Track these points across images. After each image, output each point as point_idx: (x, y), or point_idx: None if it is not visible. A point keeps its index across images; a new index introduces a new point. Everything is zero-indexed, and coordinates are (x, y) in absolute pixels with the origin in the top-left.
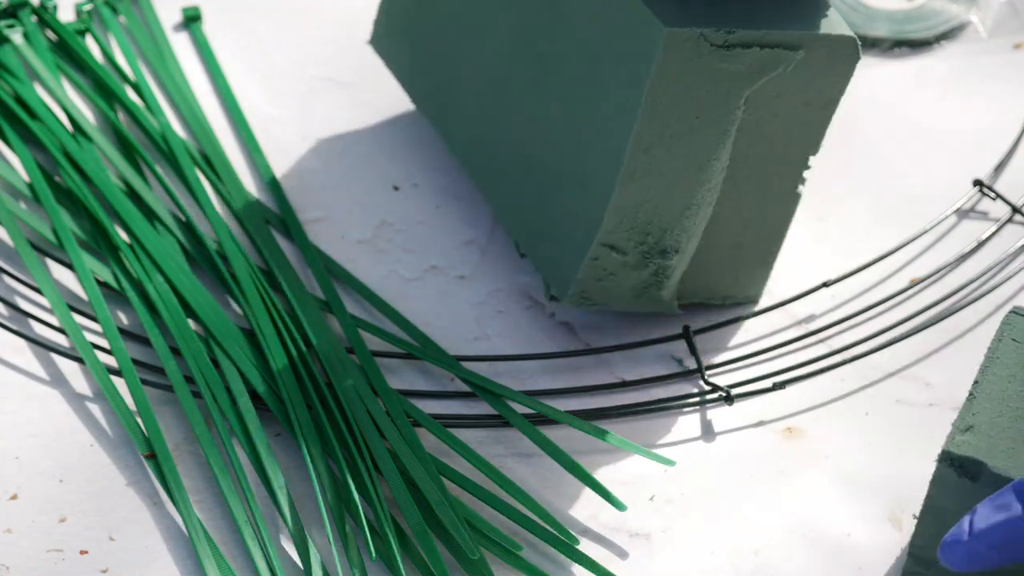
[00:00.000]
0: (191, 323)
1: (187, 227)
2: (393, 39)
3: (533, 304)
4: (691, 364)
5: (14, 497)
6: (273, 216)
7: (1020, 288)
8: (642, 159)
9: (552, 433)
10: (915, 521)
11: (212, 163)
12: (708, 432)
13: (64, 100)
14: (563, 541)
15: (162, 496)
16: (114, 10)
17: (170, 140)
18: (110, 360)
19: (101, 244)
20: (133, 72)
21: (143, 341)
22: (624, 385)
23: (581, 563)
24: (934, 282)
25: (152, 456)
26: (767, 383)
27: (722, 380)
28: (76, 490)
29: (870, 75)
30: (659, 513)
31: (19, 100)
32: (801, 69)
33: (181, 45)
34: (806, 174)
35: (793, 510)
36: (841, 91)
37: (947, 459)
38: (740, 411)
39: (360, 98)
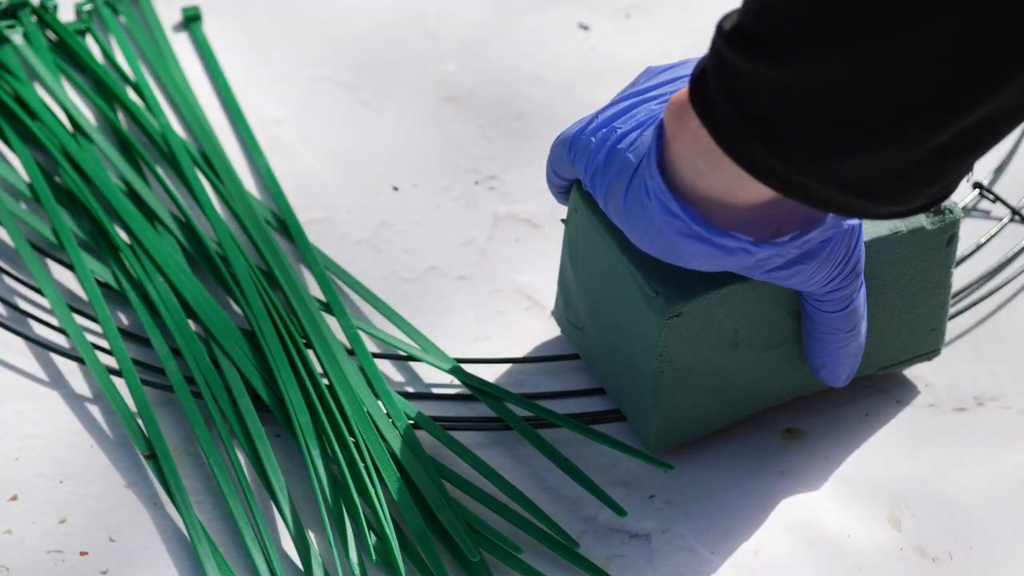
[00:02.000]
0: (191, 323)
1: (187, 227)
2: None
3: (533, 304)
4: None
5: (14, 497)
6: (273, 216)
7: (1020, 289)
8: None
9: (551, 435)
10: (915, 521)
11: (212, 163)
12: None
13: (64, 100)
14: (562, 543)
15: (162, 497)
16: (114, 10)
17: (170, 140)
18: (110, 360)
19: (101, 244)
20: (133, 72)
21: (143, 341)
22: None
23: (580, 566)
24: None
25: (152, 456)
26: None
27: None
28: (76, 491)
29: None
30: (659, 514)
31: (19, 100)
32: None
33: (181, 45)
34: None
35: (793, 511)
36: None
37: None
38: None
39: (360, 98)
